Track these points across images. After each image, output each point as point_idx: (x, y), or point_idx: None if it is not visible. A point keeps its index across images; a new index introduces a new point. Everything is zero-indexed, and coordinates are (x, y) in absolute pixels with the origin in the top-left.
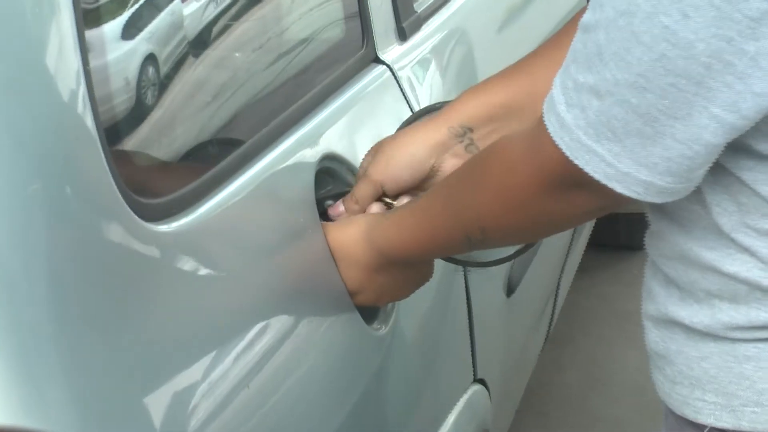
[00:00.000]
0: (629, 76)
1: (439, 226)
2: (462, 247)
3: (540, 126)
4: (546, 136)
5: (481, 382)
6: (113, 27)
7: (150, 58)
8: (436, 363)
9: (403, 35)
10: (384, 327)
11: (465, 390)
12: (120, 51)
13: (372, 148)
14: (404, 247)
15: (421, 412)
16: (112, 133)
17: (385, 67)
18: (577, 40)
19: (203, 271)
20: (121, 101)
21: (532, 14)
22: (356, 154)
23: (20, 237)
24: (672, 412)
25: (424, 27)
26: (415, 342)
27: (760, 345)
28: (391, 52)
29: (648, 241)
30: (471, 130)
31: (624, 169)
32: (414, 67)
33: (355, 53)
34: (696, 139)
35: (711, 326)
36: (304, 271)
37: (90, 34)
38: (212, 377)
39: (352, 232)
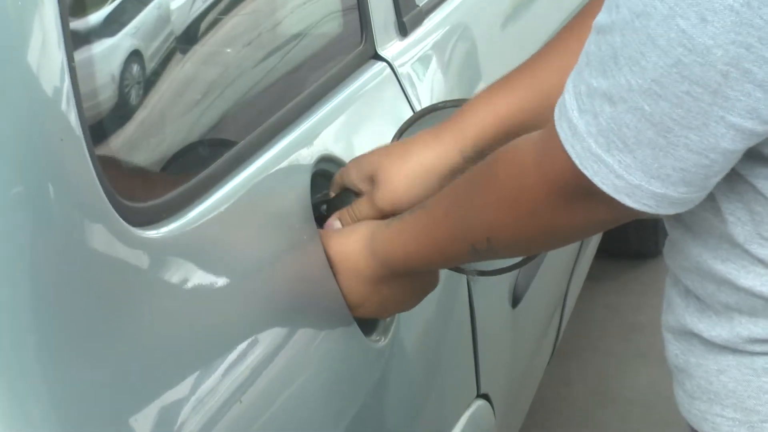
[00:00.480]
0: (643, 81)
1: (444, 236)
2: (467, 257)
3: (551, 132)
4: (556, 143)
5: (485, 397)
6: (99, 21)
7: (136, 54)
8: (437, 377)
9: (404, 30)
10: (383, 339)
11: (468, 405)
12: (105, 46)
13: (366, 162)
14: (408, 258)
15: (422, 428)
16: (98, 133)
17: (384, 63)
18: (591, 42)
19: (193, 279)
20: (107, 99)
21: (538, 10)
22: (354, 155)
23: (1, 243)
24: (692, 429)
25: (425, 22)
26: (416, 355)
27: None
28: (391, 47)
29: (666, 251)
30: (485, 152)
31: (634, 181)
32: (415, 64)
33: (353, 49)
34: (713, 148)
35: (730, 339)
36: (300, 279)
37: (75, 28)
38: (203, 390)
39: (353, 243)
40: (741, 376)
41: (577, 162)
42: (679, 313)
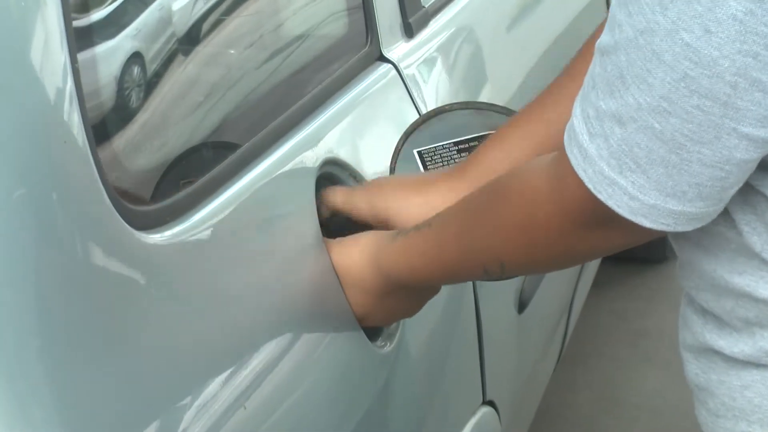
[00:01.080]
0: (651, 99)
1: (454, 258)
2: (477, 278)
3: (562, 158)
4: (568, 169)
5: (491, 404)
6: (101, 22)
7: (137, 56)
8: (443, 383)
9: (409, 32)
10: (389, 344)
11: (473, 412)
12: (108, 48)
13: (380, 200)
14: (413, 274)
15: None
16: (102, 135)
17: (390, 65)
18: (596, 64)
19: (196, 284)
20: (111, 101)
21: (542, 12)
22: (359, 159)
23: (3, 247)
24: None
25: (432, 23)
26: (422, 361)
27: None
28: (396, 49)
29: (679, 272)
30: None
31: (650, 201)
32: (421, 66)
33: (358, 51)
34: (727, 160)
35: (752, 354)
36: (304, 284)
37: (77, 28)
38: (206, 395)
39: (358, 256)
40: (766, 391)
41: (590, 186)
42: (697, 331)
